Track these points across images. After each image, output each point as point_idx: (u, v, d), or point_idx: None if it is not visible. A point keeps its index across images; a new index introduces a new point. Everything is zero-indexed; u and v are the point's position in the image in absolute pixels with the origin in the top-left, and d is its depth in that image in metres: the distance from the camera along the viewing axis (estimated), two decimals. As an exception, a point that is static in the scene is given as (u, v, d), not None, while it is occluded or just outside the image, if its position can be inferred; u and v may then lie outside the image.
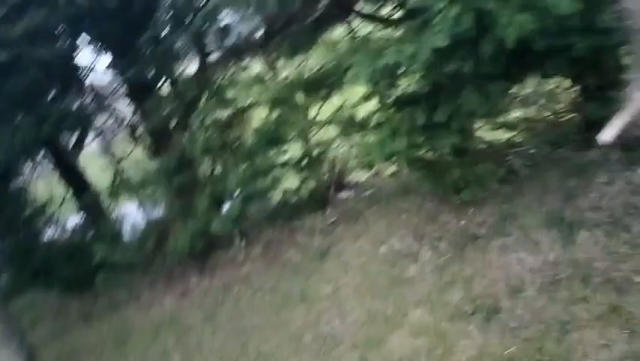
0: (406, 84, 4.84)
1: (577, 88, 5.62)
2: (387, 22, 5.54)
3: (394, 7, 5.41)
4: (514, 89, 5.47)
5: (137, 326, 6.37)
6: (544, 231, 4.59)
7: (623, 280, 3.68)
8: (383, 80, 4.06)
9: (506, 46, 3.45)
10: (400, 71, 4.27)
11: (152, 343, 5.85)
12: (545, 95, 6.16)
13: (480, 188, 5.17)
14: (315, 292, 5.22)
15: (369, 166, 4.96)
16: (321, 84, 5.55)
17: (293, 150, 6.66)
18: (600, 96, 4.51)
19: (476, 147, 5.82)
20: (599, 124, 2.35)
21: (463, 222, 5.27)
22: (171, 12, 5.90)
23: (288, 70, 6.55)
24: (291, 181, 6.79)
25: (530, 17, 3.41)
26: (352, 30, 6.09)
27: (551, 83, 6.19)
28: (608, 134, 1.37)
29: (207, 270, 6.65)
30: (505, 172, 5.35)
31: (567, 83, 5.84)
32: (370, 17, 5.73)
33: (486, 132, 6.17)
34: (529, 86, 5.98)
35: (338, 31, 6.27)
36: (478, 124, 5.85)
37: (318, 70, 5.73)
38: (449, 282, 4.49)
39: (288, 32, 5.90)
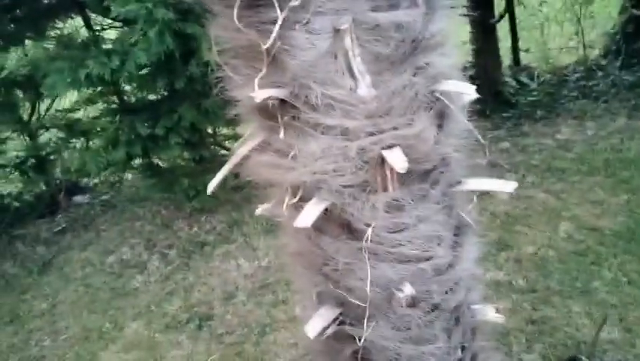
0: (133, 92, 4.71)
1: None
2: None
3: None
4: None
5: None
6: (264, 237, 4.98)
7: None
8: (90, 89, 3.86)
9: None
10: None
11: None
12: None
13: (211, 196, 5.33)
14: (29, 309, 4.75)
15: (88, 174, 4.70)
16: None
17: (14, 150, 5.95)
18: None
19: (215, 154, 5.98)
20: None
21: (194, 229, 5.38)
22: None
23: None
24: (12, 184, 6.06)
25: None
26: (90, 25, 5.56)
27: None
28: (212, 185, 1.54)
29: None
30: (235, 180, 5.60)
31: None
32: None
33: (229, 141, 6.37)
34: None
35: (70, 24, 5.73)
36: (220, 132, 6.02)
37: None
38: (170, 291, 4.52)
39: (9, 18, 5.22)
